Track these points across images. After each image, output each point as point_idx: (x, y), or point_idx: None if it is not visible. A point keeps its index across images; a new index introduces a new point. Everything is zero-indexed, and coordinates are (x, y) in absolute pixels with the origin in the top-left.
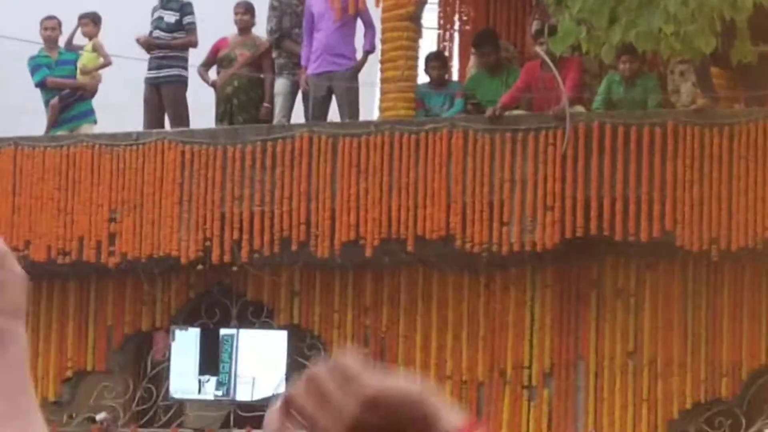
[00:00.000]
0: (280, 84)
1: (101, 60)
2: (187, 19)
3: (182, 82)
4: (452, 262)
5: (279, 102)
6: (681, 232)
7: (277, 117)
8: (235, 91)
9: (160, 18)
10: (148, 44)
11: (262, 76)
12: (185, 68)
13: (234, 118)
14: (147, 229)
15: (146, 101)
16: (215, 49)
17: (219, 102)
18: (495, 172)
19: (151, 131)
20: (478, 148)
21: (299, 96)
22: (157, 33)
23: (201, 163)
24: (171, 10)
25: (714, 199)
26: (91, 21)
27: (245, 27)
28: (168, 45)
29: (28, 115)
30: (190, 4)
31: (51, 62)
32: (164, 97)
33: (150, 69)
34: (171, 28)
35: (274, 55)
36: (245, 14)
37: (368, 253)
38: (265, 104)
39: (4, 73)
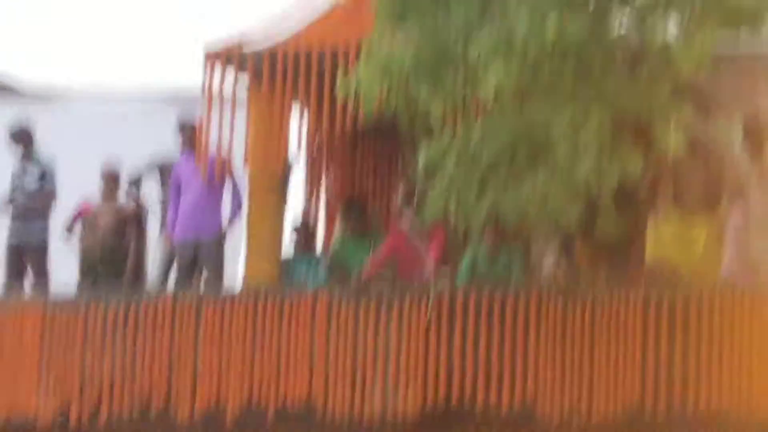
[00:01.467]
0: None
1: None
2: (46, 185)
3: (43, 246)
4: (315, 430)
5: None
6: (542, 403)
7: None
8: (99, 259)
9: (19, 182)
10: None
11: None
12: (43, 231)
13: (97, 284)
14: (4, 391)
15: (6, 263)
16: (78, 213)
17: (83, 264)
18: (359, 340)
19: (11, 291)
20: (342, 317)
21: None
22: (15, 195)
23: (62, 324)
24: (31, 173)
25: (575, 371)
26: None
27: (110, 194)
28: (39, 211)
29: None
30: (49, 169)
31: None
32: (31, 262)
33: (9, 234)
34: (31, 192)
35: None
36: (110, 181)
37: (230, 419)
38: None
39: None
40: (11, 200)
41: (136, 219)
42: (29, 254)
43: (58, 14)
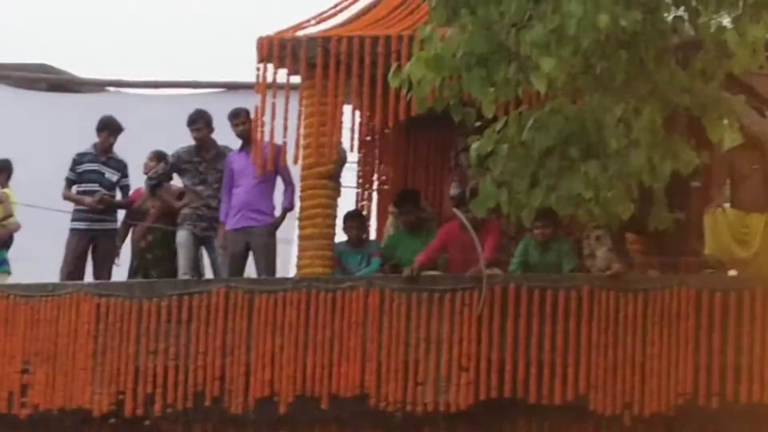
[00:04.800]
0: (182, 235)
1: (6, 211)
2: (124, 181)
3: (114, 236)
4: (367, 420)
5: (182, 254)
6: (594, 396)
7: (181, 269)
8: (149, 246)
9: (100, 173)
10: (104, 203)
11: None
12: (116, 222)
13: (148, 272)
14: (60, 381)
15: (73, 251)
16: (130, 202)
17: (134, 256)
18: (411, 331)
19: (67, 283)
20: (395, 308)
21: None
22: (94, 187)
23: (116, 316)
24: (112, 168)
25: (628, 364)
26: (1, 171)
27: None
28: (120, 205)
29: None
30: (127, 166)
31: None
32: (98, 250)
33: (80, 220)
34: (110, 186)
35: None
36: (151, 160)
37: (282, 410)
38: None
39: None
40: (86, 190)
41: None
42: (99, 243)
43: (112, 6)
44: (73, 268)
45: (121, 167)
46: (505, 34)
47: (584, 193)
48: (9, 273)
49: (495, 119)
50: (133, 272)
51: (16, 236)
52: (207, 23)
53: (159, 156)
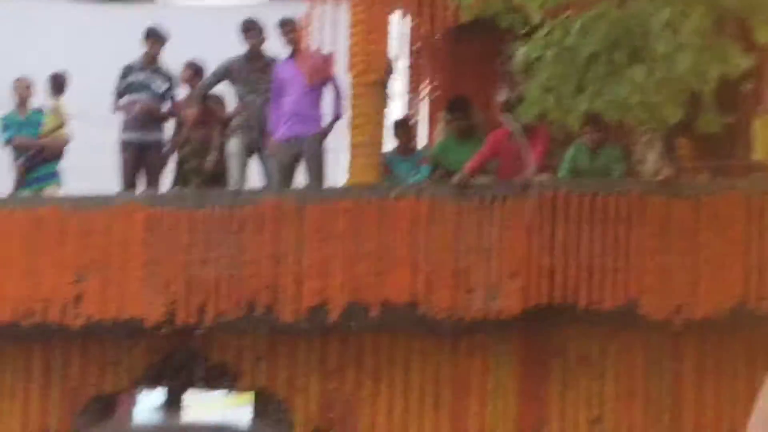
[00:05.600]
0: (233, 145)
1: (58, 121)
2: (172, 92)
3: (163, 146)
4: (417, 327)
5: (232, 163)
6: (645, 300)
7: (232, 178)
8: (186, 155)
9: (146, 85)
10: (150, 113)
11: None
12: (161, 132)
13: (188, 181)
14: (112, 292)
15: (125, 163)
16: (170, 112)
17: (176, 166)
18: (460, 238)
19: (118, 194)
20: (446, 213)
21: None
22: (141, 97)
23: (167, 226)
24: (160, 78)
25: (678, 268)
26: (53, 82)
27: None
28: (167, 116)
29: None
30: (175, 77)
31: (20, 122)
32: (148, 160)
33: (130, 131)
34: (157, 96)
35: (229, 113)
36: (188, 70)
37: (333, 317)
38: (209, 159)
39: None
40: (133, 101)
41: (219, 114)
42: (149, 154)
43: None
44: (128, 180)
45: (168, 78)
46: None
47: (631, 98)
48: (60, 185)
49: (542, 25)
50: (174, 182)
51: (68, 149)
52: None
53: (194, 66)
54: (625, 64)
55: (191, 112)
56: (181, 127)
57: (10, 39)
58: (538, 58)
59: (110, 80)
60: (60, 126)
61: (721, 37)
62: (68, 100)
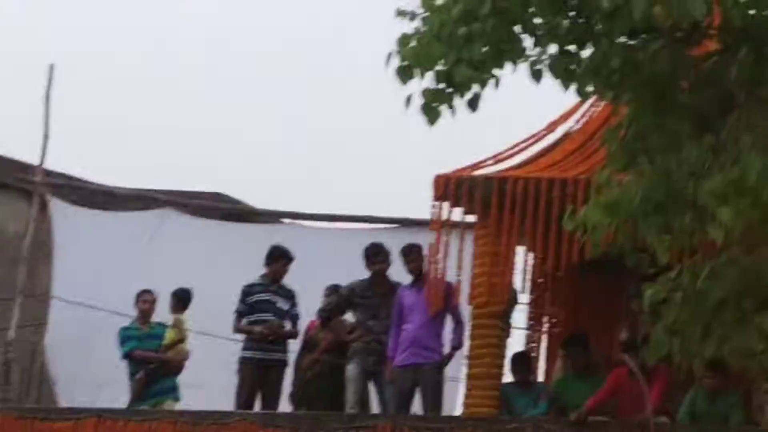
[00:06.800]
0: (351, 369)
1: (179, 336)
2: (294, 310)
3: (285, 366)
4: None
5: (350, 388)
6: None
7: (349, 403)
8: (315, 376)
9: (272, 302)
10: (274, 332)
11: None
12: (286, 352)
13: (311, 403)
14: None
15: (246, 381)
16: (297, 332)
17: (298, 385)
18: None
19: (234, 411)
20: None
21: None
22: (266, 317)
23: None
24: (283, 297)
25: None
26: (178, 298)
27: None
28: (291, 335)
29: (111, 387)
30: (296, 296)
31: (141, 335)
32: (268, 380)
33: (253, 350)
34: (282, 315)
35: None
36: (329, 296)
37: None
38: (350, 391)
39: (92, 342)
40: (258, 320)
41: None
42: (270, 373)
43: (288, 138)
44: (247, 398)
45: (291, 296)
46: (684, 182)
47: (756, 346)
48: (178, 399)
49: (668, 266)
50: (295, 402)
51: (187, 364)
52: (381, 160)
53: (335, 290)
54: (754, 310)
55: (328, 336)
56: (309, 349)
57: (139, 248)
58: (665, 300)
59: (230, 298)
60: (181, 341)
61: None
62: (190, 316)
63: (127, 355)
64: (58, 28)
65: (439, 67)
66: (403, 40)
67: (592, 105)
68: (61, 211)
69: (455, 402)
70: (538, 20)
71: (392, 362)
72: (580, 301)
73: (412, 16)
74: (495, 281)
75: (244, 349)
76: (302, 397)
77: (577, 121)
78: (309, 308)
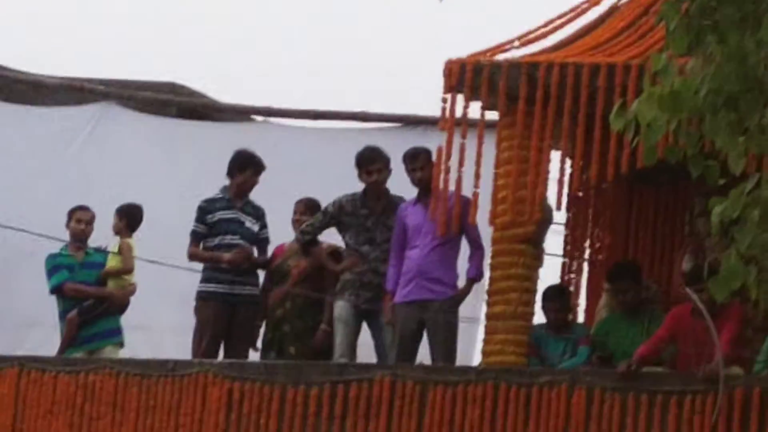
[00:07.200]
0: (341, 307)
1: (124, 265)
2: (263, 233)
3: (258, 304)
4: None
5: (339, 330)
6: None
7: (338, 350)
8: (287, 314)
9: (239, 222)
10: (246, 259)
11: (326, 297)
12: (257, 285)
13: (284, 348)
14: None
15: (207, 322)
16: (271, 260)
17: (267, 327)
18: None
19: (192, 361)
20: (606, 411)
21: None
22: (234, 240)
23: (253, 406)
24: (251, 216)
25: None
26: (124, 216)
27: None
28: (264, 263)
29: (38, 330)
30: (265, 214)
31: (74, 264)
32: (236, 321)
33: (216, 282)
34: (252, 238)
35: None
36: (304, 213)
37: None
38: (323, 327)
39: (12, 273)
40: (223, 244)
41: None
42: (238, 312)
43: (261, 29)
44: (208, 344)
45: (260, 215)
46: (763, 68)
47: None
48: (121, 345)
49: (744, 177)
50: (265, 347)
51: (133, 300)
52: (379, 47)
53: (311, 205)
54: None
55: (301, 263)
56: (276, 281)
57: (72, 154)
58: (739, 220)
59: (187, 216)
60: (127, 271)
61: None
62: (139, 240)
63: (56, 289)
64: None
65: None
66: None
67: None
68: None
69: (472, 348)
70: None
71: (392, 298)
72: (632, 220)
73: None
74: (523, 195)
75: (205, 281)
76: (272, 341)
77: None
78: (277, 230)
